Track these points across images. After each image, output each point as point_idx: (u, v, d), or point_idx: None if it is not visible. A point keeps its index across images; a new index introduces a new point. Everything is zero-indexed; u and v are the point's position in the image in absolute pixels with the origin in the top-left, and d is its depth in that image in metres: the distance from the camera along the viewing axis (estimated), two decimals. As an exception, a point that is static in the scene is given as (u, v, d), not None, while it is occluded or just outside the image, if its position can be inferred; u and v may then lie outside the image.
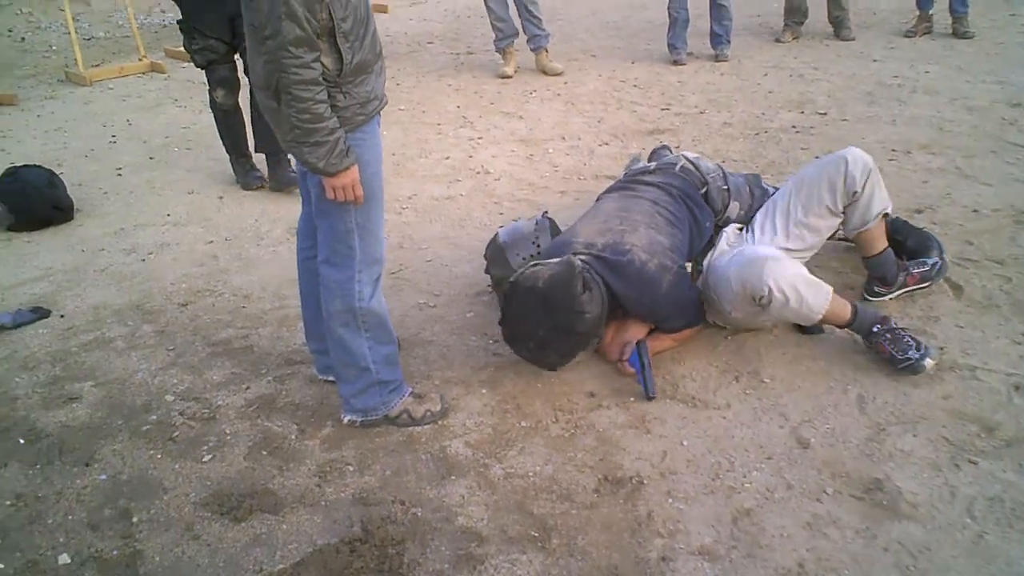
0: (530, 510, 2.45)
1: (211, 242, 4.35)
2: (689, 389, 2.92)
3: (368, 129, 2.49)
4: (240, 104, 4.81)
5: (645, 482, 2.52)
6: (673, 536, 2.32)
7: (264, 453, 2.77)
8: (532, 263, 2.94)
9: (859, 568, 2.17)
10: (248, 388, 3.12)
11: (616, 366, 3.04)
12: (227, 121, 4.87)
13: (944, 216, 3.91)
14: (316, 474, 2.66)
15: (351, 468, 2.67)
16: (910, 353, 2.81)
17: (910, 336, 2.86)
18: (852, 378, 2.88)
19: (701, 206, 3.26)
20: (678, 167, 3.34)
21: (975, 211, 3.94)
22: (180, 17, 4.57)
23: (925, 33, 7.02)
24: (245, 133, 4.94)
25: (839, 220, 3.14)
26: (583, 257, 2.94)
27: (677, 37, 6.96)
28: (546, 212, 3.59)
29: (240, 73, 4.52)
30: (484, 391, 3.00)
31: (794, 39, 7.29)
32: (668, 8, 6.90)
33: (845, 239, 3.40)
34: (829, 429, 2.66)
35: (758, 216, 3.23)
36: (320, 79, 2.25)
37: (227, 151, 5.01)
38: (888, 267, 3.20)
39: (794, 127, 5.28)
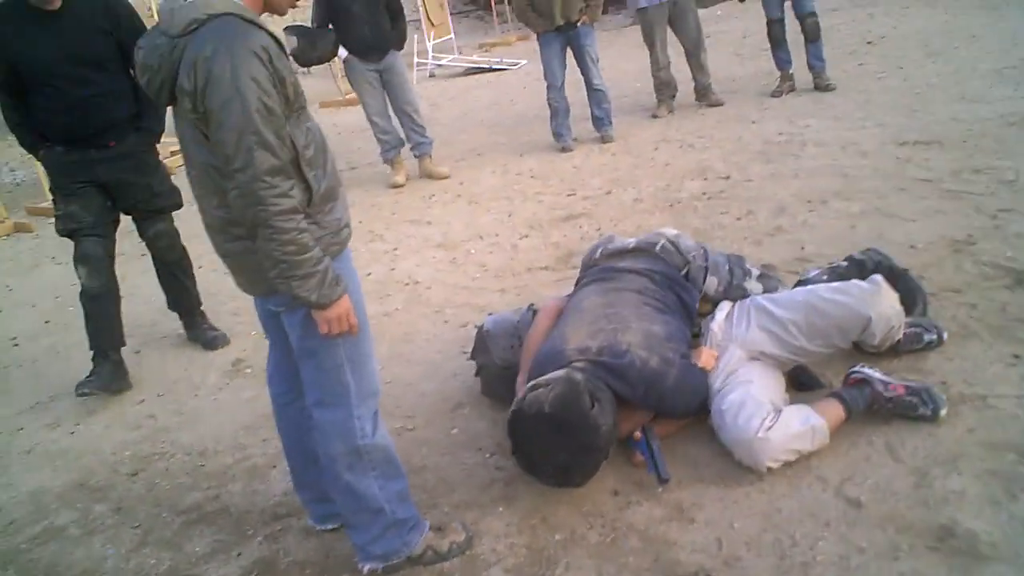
0: (604, 630, 2.26)
1: (142, 401, 4.01)
2: (714, 469, 2.81)
3: (344, 258, 2.36)
4: (113, 287, 4.09)
5: (712, 574, 2.37)
6: (766, 627, 2.17)
7: (284, 623, 2.48)
8: (531, 385, 2.76)
9: (967, 622, 2.08)
10: (240, 555, 2.82)
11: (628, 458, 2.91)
12: (92, 308, 4.02)
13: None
14: (351, 638, 2.39)
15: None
16: (921, 411, 2.79)
17: (908, 395, 2.82)
18: (872, 427, 2.84)
19: (686, 288, 3.16)
20: (658, 247, 3.26)
21: (912, 247, 4.07)
22: None
23: (790, 91, 7.40)
24: (116, 325, 4.13)
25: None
26: (580, 365, 2.81)
27: (561, 125, 7.09)
28: (532, 305, 3.48)
29: (111, 248, 4.05)
30: (501, 509, 2.81)
31: (669, 112, 7.56)
32: (547, 100, 7.03)
33: None
34: (873, 484, 2.60)
35: (754, 314, 3.03)
36: (299, 208, 2.12)
37: (90, 347, 4.08)
38: (878, 351, 3.15)
39: (704, 194, 5.39)
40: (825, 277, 3.40)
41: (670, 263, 3.20)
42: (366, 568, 2.59)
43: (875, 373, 2.90)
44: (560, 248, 4.98)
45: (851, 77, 7.58)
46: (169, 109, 2.24)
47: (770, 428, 2.67)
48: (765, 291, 3.25)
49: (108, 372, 4.04)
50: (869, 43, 8.97)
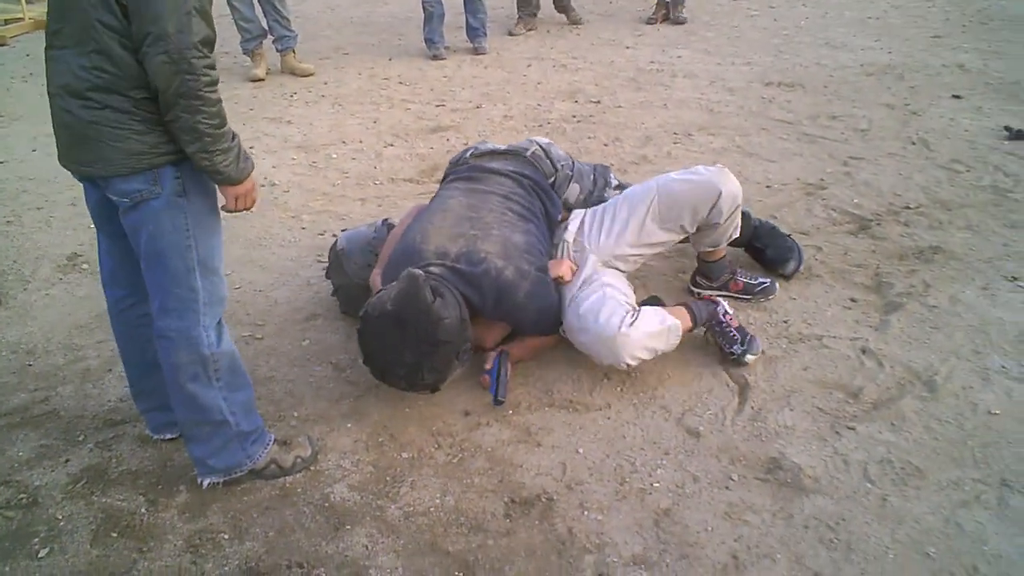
0: (445, 548, 2.27)
1: (-35, 293, 3.71)
2: (564, 393, 2.85)
3: None
4: None
5: (554, 498, 2.42)
6: (602, 550, 2.24)
7: (114, 535, 2.37)
8: (378, 291, 2.72)
9: (788, 550, 2.20)
10: (68, 461, 2.67)
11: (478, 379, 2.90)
12: None
13: (743, 193, 4.10)
14: (186, 550, 2.31)
15: (225, 536, 2.35)
16: (734, 348, 2.90)
17: (735, 330, 2.93)
18: (715, 360, 2.94)
19: (552, 198, 3.16)
20: (529, 152, 3.21)
21: (768, 187, 4.19)
22: None
23: (664, 20, 7.41)
24: None
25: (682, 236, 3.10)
26: (436, 270, 2.76)
27: (434, 31, 6.89)
28: (387, 219, 3.38)
29: None
30: (350, 425, 2.76)
31: (528, 31, 7.42)
32: (423, 3, 6.79)
33: None
34: (712, 416, 2.70)
35: (607, 213, 3.08)
36: (218, 80, 2.03)
37: None
38: (719, 270, 3.27)
39: (574, 116, 5.37)
40: None
41: (539, 169, 3.19)
42: (205, 482, 2.50)
43: (726, 303, 3.00)
44: (425, 160, 4.87)
45: (725, 12, 7.68)
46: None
47: (631, 324, 2.72)
48: None
49: None
50: (744, -22, 9.07)
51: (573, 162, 3.31)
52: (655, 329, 2.77)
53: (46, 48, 2.08)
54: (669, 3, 7.38)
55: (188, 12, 1.88)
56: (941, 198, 4.02)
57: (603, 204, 3.16)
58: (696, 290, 3.33)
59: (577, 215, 3.15)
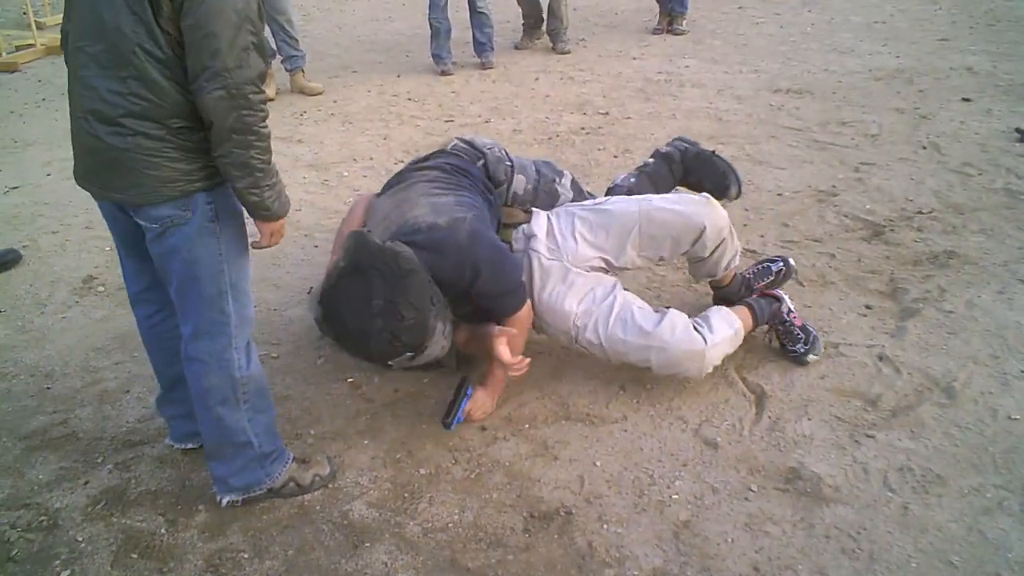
0: (465, 565, 2.27)
1: (-18, 318, 3.74)
2: (580, 406, 2.85)
3: None
4: None
5: (573, 511, 2.41)
6: (622, 564, 2.23)
7: (135, 556, 2.38)
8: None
9: (810, 560, 2.19)
10: (88, 483, 2.68)
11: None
12: None
13: (754, 202, 4.12)
14: (207, 570, 2.32)
15: (245, 555, 2.36)
16: (797, 347, 2.92)
17: (799, 328, 2.95)
18: (732, 370, 2.93)
19: (480, 179, 2.99)
20: (449, 146, 3.12)
21: (779, 195, 4.19)
22: None
23: (669, 30, 7.43)
24: None
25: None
26: None
27: (441, 47, 6.91)
28: None
29: None
30: (367, 442, 2.77)
31: (536, 40, 7.40)
32: (429, 19, 6.82)
33: None
34: (729, 426, 2.69)
35: (583, 224, 2.89)
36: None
37: None
38: (735, 293, 3.19)
39: (583, 128, 5.38)
40: (633, 179, 3.36)
41: (463, 157, 3.04)
42: (225, 500, 2.51)
43: (788, 300, 3.03)
44: (436, 175, 4.87)
45: (731, 21, 7.68)
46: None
47: (711, 334, 2.75)
48: (575, 199, 3.15)
49: None
50: (749, -13, 9.09)
51: (505, 151, 3.16)
52: (729, 335, 2.81)
53: (69, 64, 2.07)
54: (671, 15, 7.40)
55: (247, 47, 1.89)
56: (954, 202, 4.00)
57: (573, 211, 2.96)
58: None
59: (541, 218, 2.98)
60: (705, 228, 2.83)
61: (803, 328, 2.95)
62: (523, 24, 7.43)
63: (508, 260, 2.74)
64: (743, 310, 2.95)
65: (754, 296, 3.07)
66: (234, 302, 2.27)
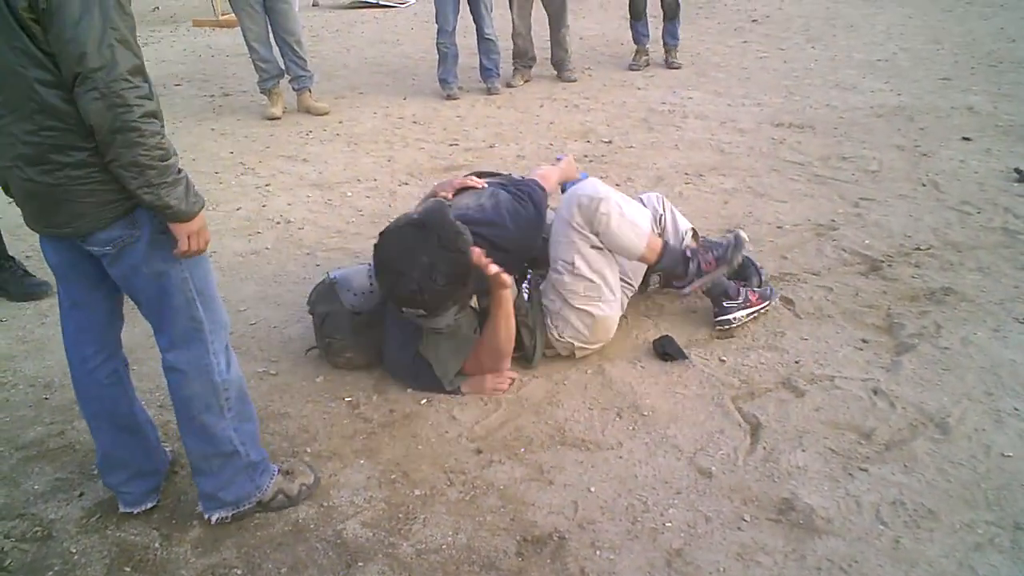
0: (457, 587, 2.28)
1: (-17, 327, 3.75)
2: (576, 432, 2.86)
3: None
4: None
5: (566, 537, 2.42)
6: (614, 590, 2.23)
7: (128, 569, 2.39)
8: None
9: (801, 592, 2.19)
10: (82, 495, 2.69)
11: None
12: None
13: (754, 234, 4.15)
14: (199, 585, 2.32)
15: (238, 572, 2.36)
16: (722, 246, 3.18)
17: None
18: (727, 399, 2.95)
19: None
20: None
21: (779, 227, 4.22)
22: None
23: (646, 65, 7.50)
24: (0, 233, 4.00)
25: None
26: None
27: (448, 72, 6.98)
28: None
29: None
30: (362, 461, 2.78)
31: (525, 81, 7.38)
32: (437, 44, 6.90)
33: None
34: (724, 455, 2.70)
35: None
36: (157, 112, 1.98)
37: None
38: (723, 284, 3.30)
39: (586, 156, 5.42)
40: None
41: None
42: (215, 516, 2.51)
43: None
44: (439, 199, 4.91)
45: (735, 54, 7.76)
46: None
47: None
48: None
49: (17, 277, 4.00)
50: (754, 21, 9.20)
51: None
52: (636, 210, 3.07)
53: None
54: (664, 48, 7.47)
55: (110, 44, 1.84)
56: (952, 240, 4.03)
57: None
58: (724, 319, 3.34)
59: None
60: (640, 199, 3.31)
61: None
62: (514, 63, 7.41)
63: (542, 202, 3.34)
64: (656, 238, 3.18)
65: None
66: (203, 308, 2.28)
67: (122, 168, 1.95)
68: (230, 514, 2.51)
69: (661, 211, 3.27)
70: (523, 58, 7.36)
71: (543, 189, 3.37)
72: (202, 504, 2.52)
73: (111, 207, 2.05)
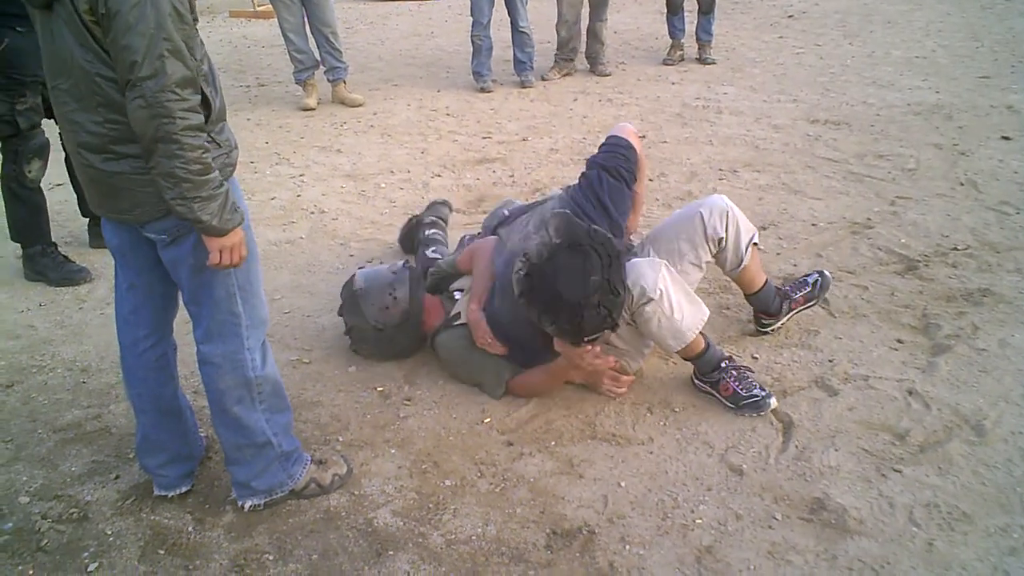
0: (486, 578, 2.29)
1: (24, 311, 3.81)
2: (607, 426, 2.86)
3: (235, 181, 2.26)
4: None
5: (596, 531, 2.42)
6: (643, 585, 2.24)
7: (161, 552, 2.42)
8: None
9: (832, 592, 2.18)
10: (118, 478, 2.73)
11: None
12: (36, 201, 4.00)
13: (788, 231, 4.12)
14: (231, 569, 2.35)
15: (270, 557, 2.39)
16: (755, 391, 2.86)
17: (755, 378, 2.93)
18: (760, 398, 2.93)
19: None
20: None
21: (814, 225, 4.18)
22: None
23: (680, 60, 7.47)
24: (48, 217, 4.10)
25: (702, 273, 3.12)
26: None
27: (482, 65, 6.98)
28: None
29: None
30: (394, 451, 2.79)
31: (564, 75, 7.35)
32: (471, 37, 6.90)
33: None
34: (756, 453, 2.69)
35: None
36: (203, 125, 2.00)
37: (28, 242, 4.05)
38: (771, 300, 3.22)
39: (620, 151, 5.39)
40: None
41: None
42: (248, 504, 2.54)
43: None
44: (472, 191, 4.93)
45: (770, 49, 7.70)
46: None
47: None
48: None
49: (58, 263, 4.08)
50: (790, 17, 9.12)
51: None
52: (685, 298, 2.77)
53: (52, 102, 2.11)
54: (698, 44, 7.42)
55: (161, 55, 1.85)
56: (990, 240, 3.98)
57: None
58: (765, 330, 3.31)
59: None
60: (701, 214, 3.00)
61: (758, 382, 2.93)
62: (556, 55, 7.36)
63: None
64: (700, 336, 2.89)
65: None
66: (244, 303, 2.30)
67: (159, 176, 1.97)
68: (263, 502, 2.54)
69: (723, 233, 3.00)
70: (564, 49, 7.30)
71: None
72: (235, 491, 2.55)
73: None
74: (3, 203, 4.09)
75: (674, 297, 2.72)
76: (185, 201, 1.99)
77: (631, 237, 3.23)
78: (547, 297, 2.59)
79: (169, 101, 1.88)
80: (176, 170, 1.94)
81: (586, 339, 2.66)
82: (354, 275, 3.32)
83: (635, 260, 2.80)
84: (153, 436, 2.55)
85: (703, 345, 2.87)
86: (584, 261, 2.55)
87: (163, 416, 2.52)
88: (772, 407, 2.86)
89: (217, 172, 2.04)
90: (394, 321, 3.16)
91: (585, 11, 7.15)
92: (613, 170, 2.99)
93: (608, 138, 3.10)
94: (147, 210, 2.12)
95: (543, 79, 7.25)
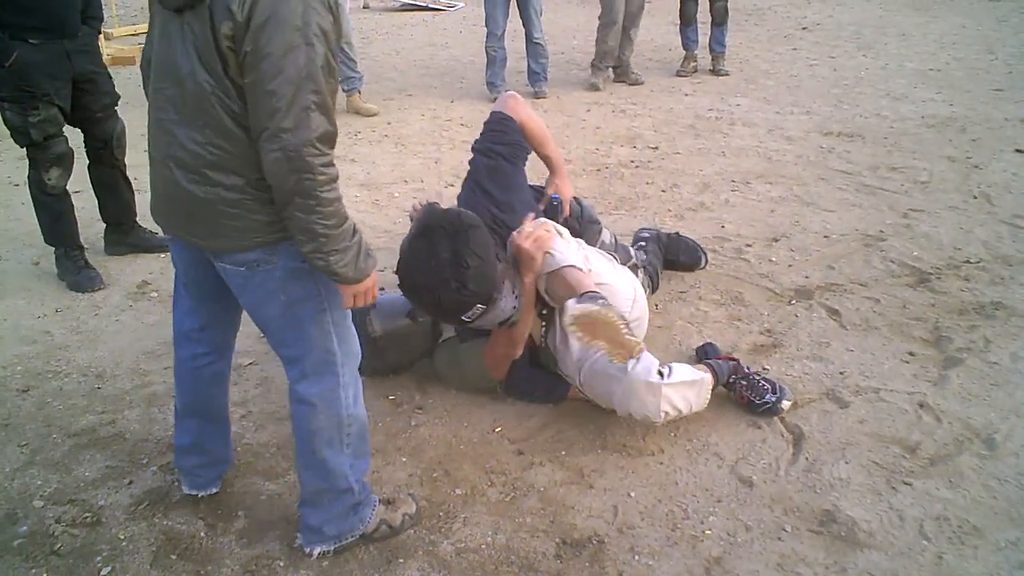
0: (495, 587, 2.30)
1: (40, 317, 3.85)
2: (617, 437, 2.86)
3: None
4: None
5: (605, 541, 2.43)
6: (652, 596, 2.24)
7: (174, 557, 2.44)
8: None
9: (841, 604, 2.18)
10: (131, 483, 2.75)
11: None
12: (58, 207, 4.03)
13: (800, 243, 4.13)
14: (242, 575, 2.37)
15: (281, 563, 2.40)
16: (767, 397, 2.87)
17: (764, 380, 2.93)
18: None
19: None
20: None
21: (826, 237, 4.19)
22: None
23: (694, 72, 7.49)
24: (76, 222, 4.14)
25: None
26: None
27: (496, 75, 7.02)
28: None
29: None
30: (405, 460, 2.81)
31: (603, 84, 7.41)
32: (485, 47, 6.94)
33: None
34: (766, 465, 2.69)
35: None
36: (337, 175, 1.89)
37: (53, 244, 4.13)
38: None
39: (632, 161, 5.43)
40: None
41: None
42: (316, 551, 2.39)
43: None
44: (484, 201, 4.94)
45: (784, 61, 7.71)
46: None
47: (669, 373, 2.70)
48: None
49: (78, 267, 4.11)
50: (804, 29, 9.14)
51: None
52: (689, 378, 2.75)
53: (149, 100, 2.04)
54: (712, 55, 7.45)
55: (306, 107, 1.76)
56: (1003, 253, 3.98)
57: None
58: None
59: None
60: (630, 414, 2.74)
61: (765, 379, 2.92)
62: (598, 63, 7.33)
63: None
64: (704, 368, 2.90)
65: (712, 360, 3.04)
66: (339, 340, 2.18)
67: (296, 230, 1.89)
68: (332, 547, 2.40)
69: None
70: (609, 57, 7.29)
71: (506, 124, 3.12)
72: (303, 536, 2.41)
73: (254, 235, 1.98)
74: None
75: (681, 404, 2.72)
76: (323, 255, 1.90)
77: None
78: (407, 287, 2.68)
79: (310, 156, 1.78)
80: (314, 225, 1.85)
81: (462, 317, 2.66)
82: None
83: (632, 385, 2.66)
84: (199, 437, 2.54)
85: (714, 381, 2.88)
86: (431, 242, 2.57)
87: (208, 424, 2.52)
88: (788, 406, 2.88)
89: (351, 220, 1.95)
90: (397, 329, 3.15)
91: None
92: (486, 151, 3.10)
93: (489, 116, 3.19)
94: (225, 242, 2.01)
95: (596, 89, 7.25)
